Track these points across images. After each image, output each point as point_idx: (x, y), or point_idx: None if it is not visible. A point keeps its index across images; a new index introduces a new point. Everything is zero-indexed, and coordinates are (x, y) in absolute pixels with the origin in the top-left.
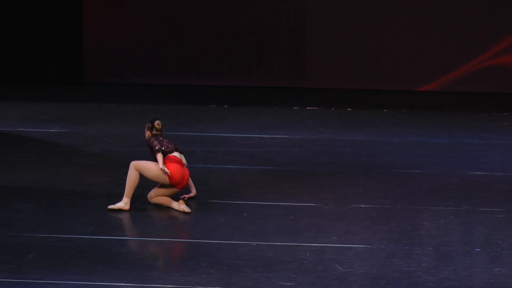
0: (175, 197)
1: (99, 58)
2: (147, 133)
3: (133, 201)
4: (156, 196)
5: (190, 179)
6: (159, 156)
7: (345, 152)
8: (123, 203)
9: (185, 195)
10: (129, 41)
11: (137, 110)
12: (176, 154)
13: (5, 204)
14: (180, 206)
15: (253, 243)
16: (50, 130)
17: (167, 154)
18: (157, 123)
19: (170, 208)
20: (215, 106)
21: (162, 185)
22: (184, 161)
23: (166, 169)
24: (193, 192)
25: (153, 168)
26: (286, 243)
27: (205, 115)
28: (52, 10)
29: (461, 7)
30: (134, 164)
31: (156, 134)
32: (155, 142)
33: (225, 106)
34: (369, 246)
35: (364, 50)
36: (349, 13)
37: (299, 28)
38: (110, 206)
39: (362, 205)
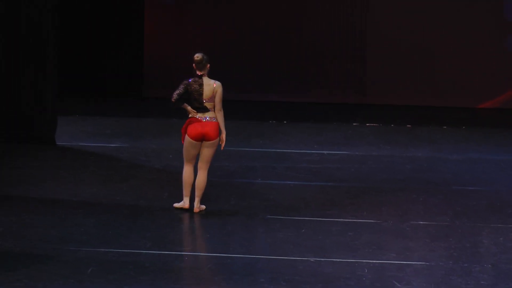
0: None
1: (159, 73)
2: None
3: (191, 216)
4: (200, 163)
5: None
6: (184, 106)
7: (405, 169)
8: (182, 202)
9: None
10: (189, 55)
11: None
12: (199, 115)
13: (66, 218)
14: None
15: (312, 259)
16: (111, 145)
17: (192, 113)
18: (195, 55)
19: (229, 223)
20: (274, 122)
21: (201, 150)
22: (207, 116)
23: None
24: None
25: (184, 146)
26: (344, 259)
27: (265, 130)
28: (113, 24)
29: None
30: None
31: (197, 71)
32: (180, 86)
33: (284, 122)
34: (428, 263)
35: (424, 67)
36: (409, 30)
37: (360, 44)
38: (175, 204)
39: (421, 222)
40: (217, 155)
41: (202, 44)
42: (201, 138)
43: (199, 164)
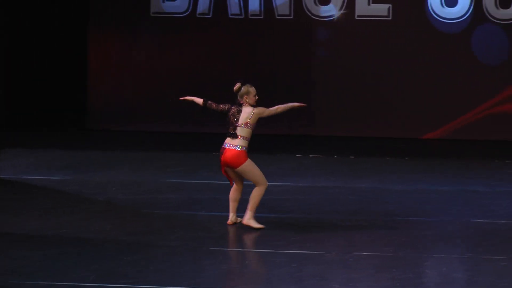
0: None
1: (103, 105)
2: None
3: (136, 248)
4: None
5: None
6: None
7: (349, 200)
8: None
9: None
10: (133, 88)
11: (141, 158)
12: (227, 140)
13: (10, 252)
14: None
15: None
16: (55, 178)
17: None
18: (236, 86)
19: (174, 255)
20: (218, 153)
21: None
22: (230, 144)
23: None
24: None
25: None
26: None
27: (210, 162)
28: (57, 58)
29: (465, 58)
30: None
31: (239, 100)
32: (224, 104)
33: None
34: None
35: (367, 99)
36: (354, 63)
37: (306, 77)
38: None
39: (365, 253)
40: (162, 188)
41: (144, 77)
42: (225, 165)
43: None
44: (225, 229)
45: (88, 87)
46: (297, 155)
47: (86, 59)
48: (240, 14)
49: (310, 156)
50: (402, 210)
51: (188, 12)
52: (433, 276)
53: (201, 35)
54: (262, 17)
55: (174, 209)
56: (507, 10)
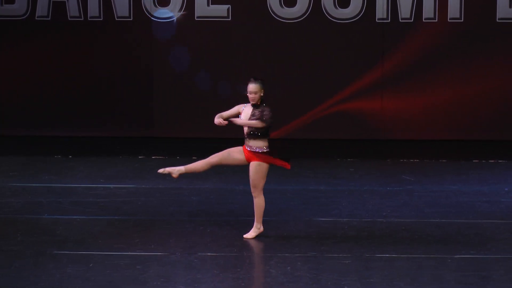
0: None
1: None
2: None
3: None
4: None
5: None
6: None
7: (192, 201)
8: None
9: None
10: None
11: None
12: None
13: None
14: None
15: None
16: None
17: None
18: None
19: (17, 260)
20: (59, 156)
21: None
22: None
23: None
24: None
25: None
26: None
27: (51, 166)
28: None
29: (307, 57)
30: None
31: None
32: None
33: (70, 156)
34: None
35: (212, 100)
36: (194, 64)
37: (146, 78)
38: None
39: (210, 253)
40: (3, 192)
41: None
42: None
43: None
44: (68, 232)
45: None
46: (139, 157)
47: None
48: (80, 17)
49: (153, 157)
50: (245, 210)
51: (27, 15)
52: (278, 275)
53: (41, 38)
54: (101, 19)
55: (16, 213)
56: (346, 9)
